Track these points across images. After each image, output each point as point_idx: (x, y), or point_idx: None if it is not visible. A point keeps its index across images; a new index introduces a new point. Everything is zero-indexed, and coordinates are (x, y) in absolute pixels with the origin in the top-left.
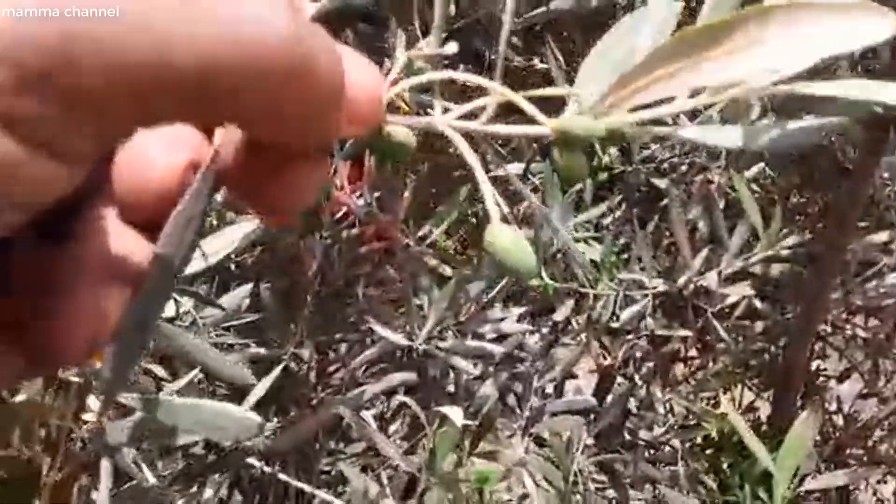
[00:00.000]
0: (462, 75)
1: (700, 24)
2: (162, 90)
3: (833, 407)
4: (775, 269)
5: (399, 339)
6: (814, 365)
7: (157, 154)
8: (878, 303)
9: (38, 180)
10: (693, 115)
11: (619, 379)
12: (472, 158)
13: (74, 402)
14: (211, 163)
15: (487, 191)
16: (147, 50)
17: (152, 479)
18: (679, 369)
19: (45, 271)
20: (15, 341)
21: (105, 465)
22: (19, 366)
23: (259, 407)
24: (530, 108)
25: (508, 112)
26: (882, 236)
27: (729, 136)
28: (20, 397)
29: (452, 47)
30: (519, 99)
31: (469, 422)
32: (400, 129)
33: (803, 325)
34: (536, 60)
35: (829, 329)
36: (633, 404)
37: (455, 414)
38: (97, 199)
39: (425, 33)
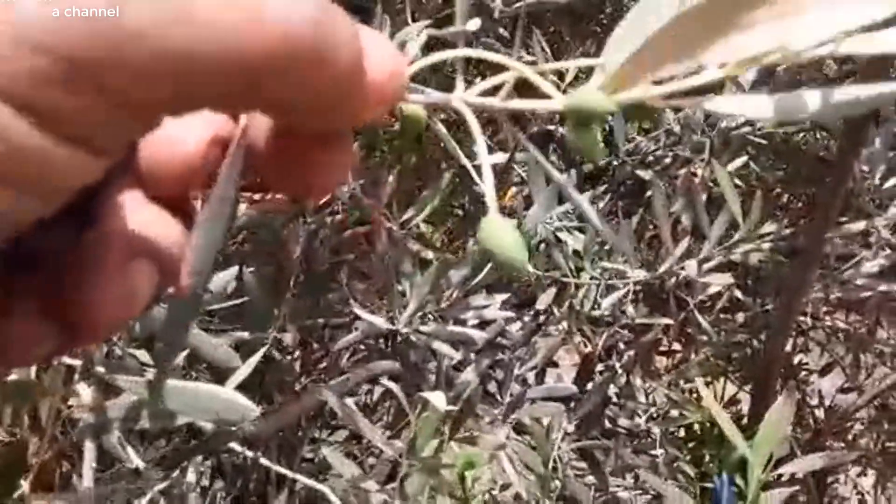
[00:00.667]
0: (480, 53)
1: None
2: (196, 81)
3: (815, 401)
4: (754, 258)
5: (381, 322)
6: (796, 359)
7: (181, 129)
8: (857, 296)
9: (71, 172)
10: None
11: (601, 367)
12: (481, 141)
13: (64, 385)
14: (240, 139)
15: (488, 180)
16: (184, 43)
17: (137, 461)
18: (662, 361)
19: (74, 248)
20: (48, 318)
21: (89, 447)
22: (52, 342)
23: (241, 392)
24: (544, 84)
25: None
26: (860, 225)
27: (761, 106)
28: (12, 377)
29: (474, 23)
30: (533, 74)
31: (450, 407)
32: (415, 107)
33: (783, 316)
34: (524, 52)
35: (809, 323)
36: (614, 392)
37: (438, 399)
38: (125, 176)
39: (413, 20)
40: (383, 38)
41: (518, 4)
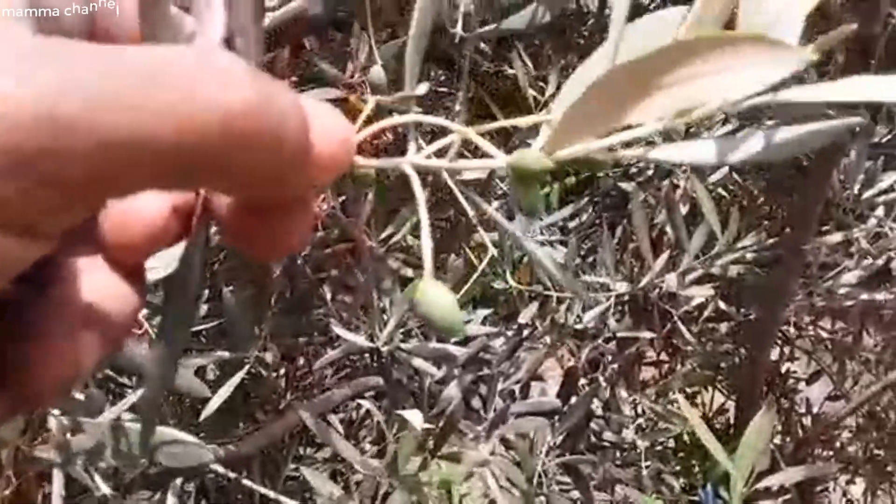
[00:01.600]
0: (426, 118)
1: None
2: (136, 167)
3: (803, 409)
4: (734, 270)
5: (361, 340)
6: (784, 368)
7: (142, 199)
8: (840, 304)
9: (11, 258)
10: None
11: (586, 380)
12: (421, 200)
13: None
14: (202, 211)
15: (426, 244)
16: (124, 129)
17: (105, 489)
18: (650, 372)
19: (23, 316)
20: None
21: (57, 475)
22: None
23: (224, 411)
24: (486, 145)
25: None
26: (837, 237)
27: (704, 152)
28: None
29: (422, 88)
30: (476, 137)
31: (430, 425)
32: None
33: (766, 326)
34: (507, 66)
35: (793, 332)
36: (599, 406)
37: (415, 417)
38: (80, 243)
39: (392, 37)
40: (327, 107)
41: (486, 29)
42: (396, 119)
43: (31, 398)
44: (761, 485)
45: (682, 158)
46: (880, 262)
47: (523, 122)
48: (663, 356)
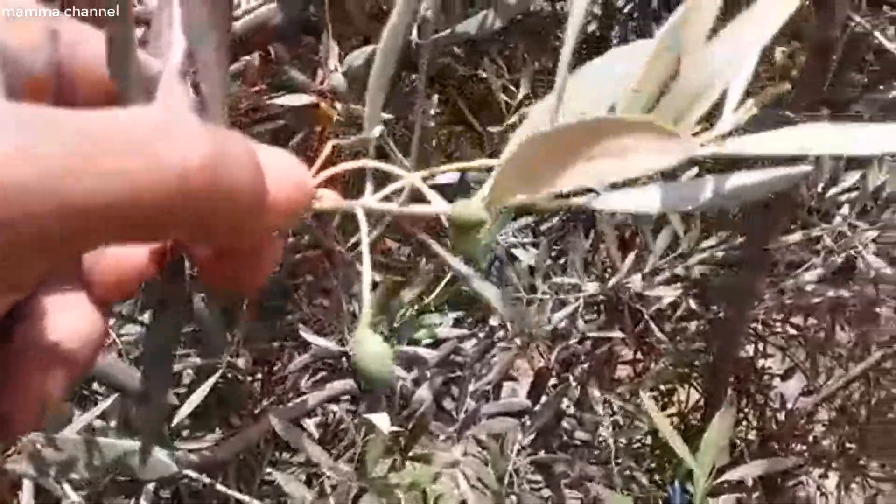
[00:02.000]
0: (378, 164)
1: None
2: (100, 227)
3: (778, 405)
4: (698, 270)
5: (330, 345)
6: (760, 364)
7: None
8: (808, 301)
9: None
10: None
11: (559, 380)
12: (366, 244)
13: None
14: (172, 250)
15: (366, 298)
16: (80, 195)
17: (75, 498)
18: (626, 371)
19: None
20: None
21: (28, 486)
22: None
23: (199, 416)
24: (430, 194)
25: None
26: (797, 235)
27: (650, 200)
28: None
29: (377, 131)
30: (422, 185)
31: (402, 427)
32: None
33: (734, 324)
34: (482, 69)
35: (762, 329)
36: (571, 404)
37: (381, 421)
38: (61, 279)
39: (366, 42)
40: (282, 153)
41: (435, 37)
42: (350, 164)
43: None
44: (725, 478)
45: (627, 207)
46: (839, 259)
47: (476, 165)
48: (639, 355)
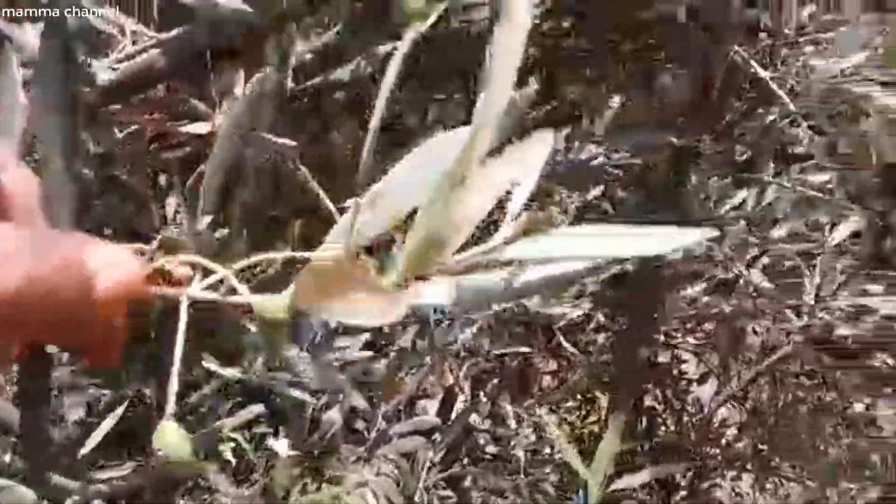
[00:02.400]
0: (199, 260)
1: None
2: None
3: (695, 408)
4: (591, 287)
5: (234, 373)
6: (676, 370)
7: None
8: (707, 312)
9: None
10: None
11: (466, 397)
12: (181, 331)
13: None
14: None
15: (173, 388)
16: None
17: None
18: (548, 382)
19: None
20: None
21: None
22: None
23: (111, 445)
24: (238, 286)
25: None
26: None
27: (558, 247)
28: None
29: (205, 222)
30: (233, 279)
31: (294, 453)
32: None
33: (635, 335)
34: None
35: (678, 336)
36: (484, 419)
37: (280, 446)
38: None
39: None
40: (114, 249)
41: (308, 84)
42: (181, 257)
43: None
44: (615, 487)
45: (535, 254)
46: (721, 274)
47: (281, 256)
48: (559, 367)
